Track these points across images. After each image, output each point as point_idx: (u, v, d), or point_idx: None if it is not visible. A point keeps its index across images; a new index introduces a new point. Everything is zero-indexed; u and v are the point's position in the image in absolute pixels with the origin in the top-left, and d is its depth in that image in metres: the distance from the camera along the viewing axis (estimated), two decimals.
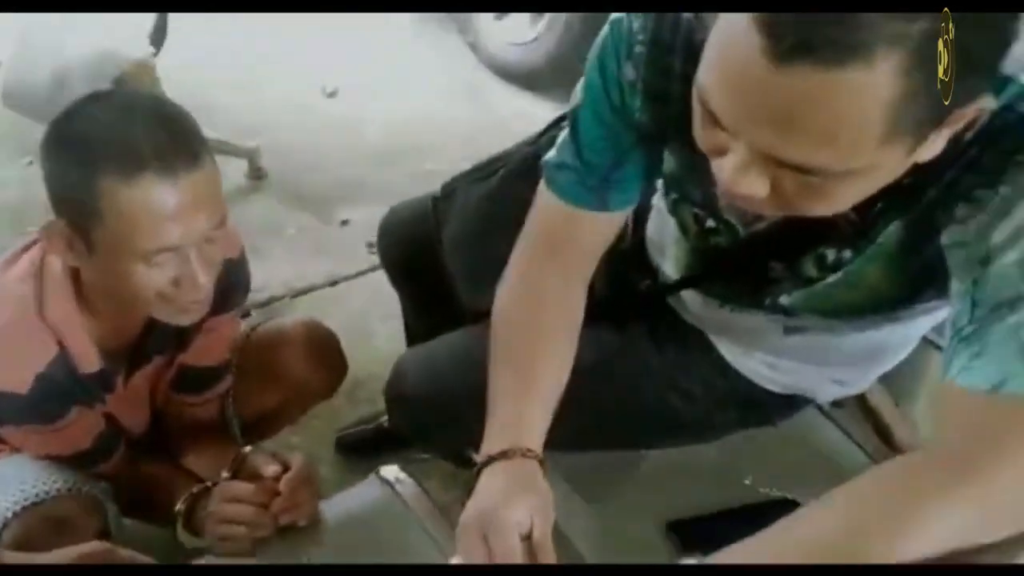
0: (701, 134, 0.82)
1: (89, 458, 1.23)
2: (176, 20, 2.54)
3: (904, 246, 0.93)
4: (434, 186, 1.48)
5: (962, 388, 0.81)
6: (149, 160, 0.99)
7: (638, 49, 0.98)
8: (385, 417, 1.80)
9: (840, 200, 0.81)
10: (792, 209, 0.82)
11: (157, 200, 0.99)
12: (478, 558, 0.91)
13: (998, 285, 0.80)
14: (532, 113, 3.09)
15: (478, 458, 1.01)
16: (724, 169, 0.79)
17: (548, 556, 0.94)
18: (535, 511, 0.95)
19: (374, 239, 2.44)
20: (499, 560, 0.91)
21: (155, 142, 1.00)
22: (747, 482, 1.26)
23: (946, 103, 0.70)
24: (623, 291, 1.29)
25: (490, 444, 1.01)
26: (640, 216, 1.28)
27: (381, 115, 3.13)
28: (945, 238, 0.86)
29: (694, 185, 1.06)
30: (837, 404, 1.37)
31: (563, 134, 1.09)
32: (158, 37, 2.46)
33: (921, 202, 0.87)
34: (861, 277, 0.98)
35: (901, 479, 0.83)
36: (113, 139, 0.99)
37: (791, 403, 1.28)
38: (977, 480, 0.78)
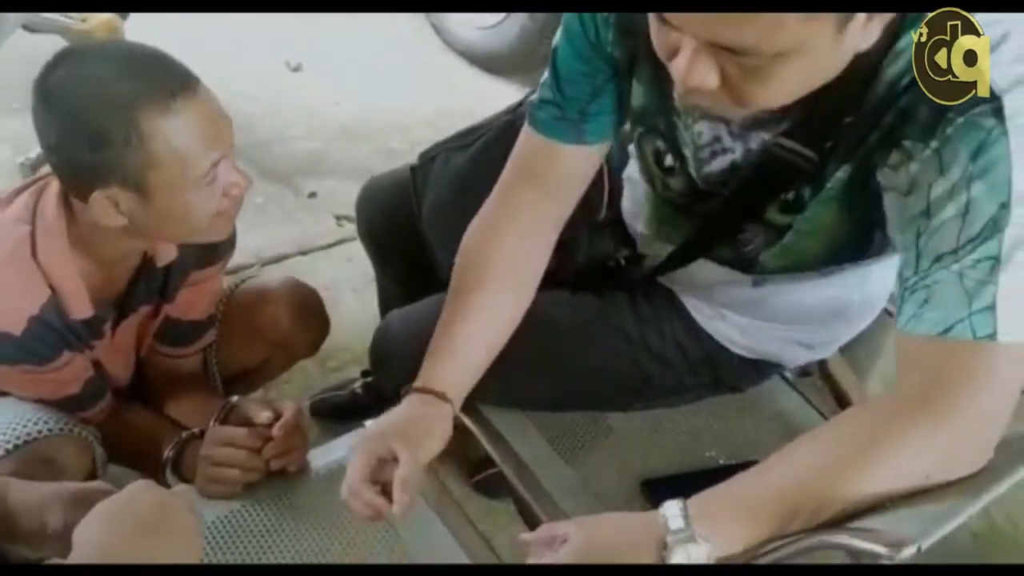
0: (658, 43, 0.88)
1: (78, 402, 1.25)
2: None
3: (850, 189, 0.98)
4: (400, 164, 1.50)
5: (913, 335, 0.88)
6: (171, 86, 1.04)
7: None
8: (357, 384, 1.82)
9: (783, 86, 0.86)
10: (741, 98, 0.87)
11: (195, 117, 1.06)
12: (352, 470, 1.01)
13: (940, 237, 0.86)
14: (497, 95, 3.12)
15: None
16: (678, 67, 0.86)
17: (409, 492, 1.00)
18: (408, 447, 1.02)
19: (342, 212, 2.49)
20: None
21: (163, 70, 1.06)
22: (710, 454, 1.32)
23: None
24: (602, 261, 1.33)
25: (422, 373, 1.11)
26: (615, 191, 1.34)
27: (345, 93, 3.13)
28: (880, 178, 0.93)
29: (658, 113, 1.11)
30: (804, 373, 1.43)
31: (544, 74, 1.14)
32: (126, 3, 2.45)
33: (864, 145, 0.93)
34: (817, 222, 1.04)
35: (863, 421, 0.91)
36: (133, 84, 1.03)
37: (759, 370, 1.34)
38: (932, 420, 0.86)
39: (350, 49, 3.40)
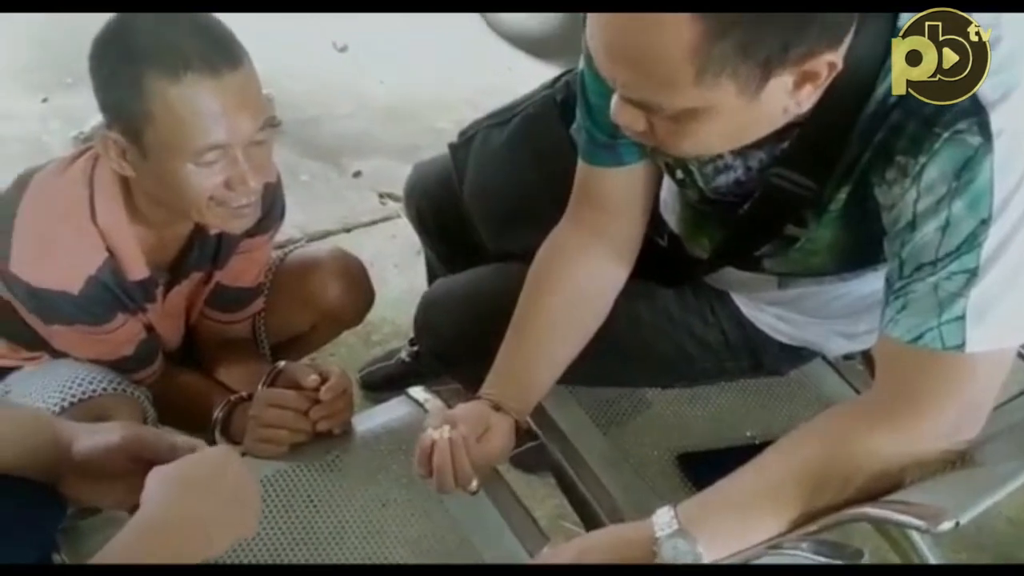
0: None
1: (131, 364, 1.28)
2: None
3: (850, 208, 0.99)
4: (443, 143, 1.51)
5: (890, 337, 0.91)
6: (192, 59, 1.04)
7: None
8: (403, 353, 1.85)
9: (701, 140, 0.91)
10: (665, 145, 0.93)
11: (203, 97, 1.05)
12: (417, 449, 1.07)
13: (921, 249, 0.88)
14: (540, 76, 3.11)
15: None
16: (612, 103, 0.91)
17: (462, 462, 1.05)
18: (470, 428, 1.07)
19: (386, 190, 2.51)
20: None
21: (197, 43, 1.06)
22: (750, 434, 1.32)
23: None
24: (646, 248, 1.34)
25: (487, 382, 1.15)
26: None
27: (390, 73, 3.16)
28: (879, 195, 0.93)
29: None
30: (848, 357, 1.42)
31: (578, 100, 1.15)
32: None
33: (860, 163, 0.94)
34: (820, 242, 1.05)
35: (837, 424, 0.94)
36: (157, 42, 1.05)
37: (800, 355, 1.35)
38: (897, 425, 0.89)
39: (395, 30, 3.42)
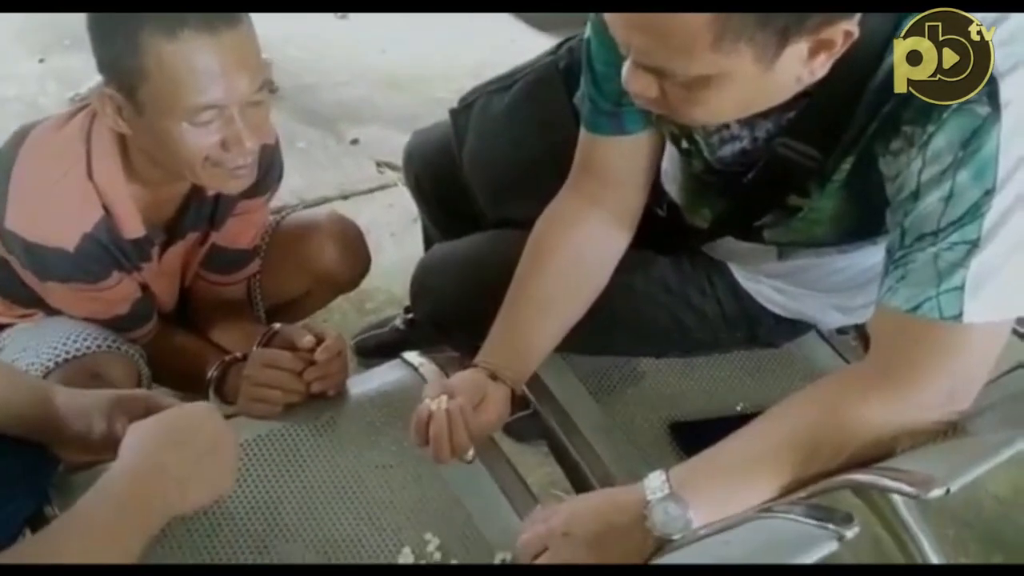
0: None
1: (126, 322, 1.28)
2: None
3: (854, 179, 0.99)
4: (444, 113, 1.49)
5: (887, 306, 0.90)
6: (189, 16, 1.03)
7: None
8: (398, 320, 1.85)
9: (713, 108, 0.90)
10: (676, 112, 0.93)
11: (198, 55, 1.04)
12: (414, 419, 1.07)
13: (923, 219, 0.88)
14: (543, 48, 3.10)
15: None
16: (623, 70, 0.91)
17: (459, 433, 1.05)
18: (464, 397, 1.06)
19: (384, 159, 2.51)
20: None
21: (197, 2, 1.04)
22: (741, 407, 1.32)
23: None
24: (644, 217, 1.34)
25: (482, 350, 1.14)
26: None
27: (391, 41, 3.14)
28: (883, 166, 0.93)
29: None
30: (841, 331, 1.43)
31: (583, 69, 1.14)
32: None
33: (866, 134, 0.94)
34: (822, 212, 1.05)
35: (834, 390, 0.94)
36: None
37: (795, 327, 1.35)
38: (891, 393, 0.89)
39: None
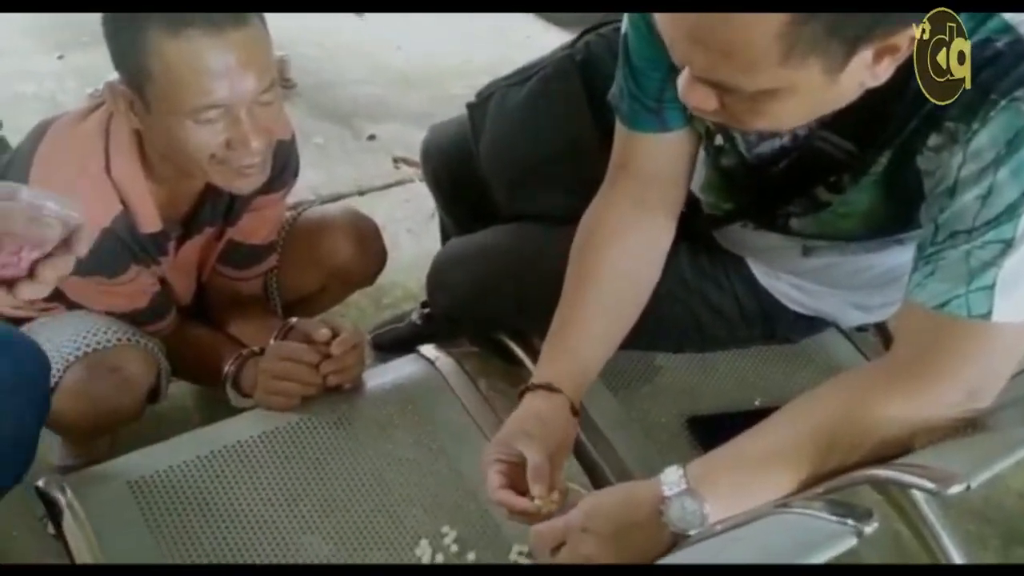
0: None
1: (145, 316, 1.29)
2: None
3: (890, 174, 0.98)
4: (459, 109, 1.49)
5: (914, 302, 0.89)
6: (194, 15, 1.03)
7: None
8: (415, 314, 1.85)
9: (780, 118, 0.88)
10: (739, 123, 0.90)
11: (203, 55, 1.04)
12: (489, 484, 1.00)
13: (959, 216, 0.87)
14: (558, 44, 3.10)
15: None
16: (680, 86, 0.88)
17: (542, 480, 0.98)
18: (532, 443, 1.00)
19: (400, 154, 2.51)
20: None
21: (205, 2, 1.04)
22: (759, 402, 1.32)
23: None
24: None
25: (535, 373, 1.09)
26: None
27: (407, 38, 3.14)
28: (921, 163, 0.92)
29: None
30: (861, 328, 1.42)
31: (620, 64, 1.12)
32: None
33: (906, 130, 0.92)
34: (854, 206, 1.04)
35: (855, 385, 0.93)
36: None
37: (813, 324, 1.34)
38: (913, 389, 0.88)
39: None
